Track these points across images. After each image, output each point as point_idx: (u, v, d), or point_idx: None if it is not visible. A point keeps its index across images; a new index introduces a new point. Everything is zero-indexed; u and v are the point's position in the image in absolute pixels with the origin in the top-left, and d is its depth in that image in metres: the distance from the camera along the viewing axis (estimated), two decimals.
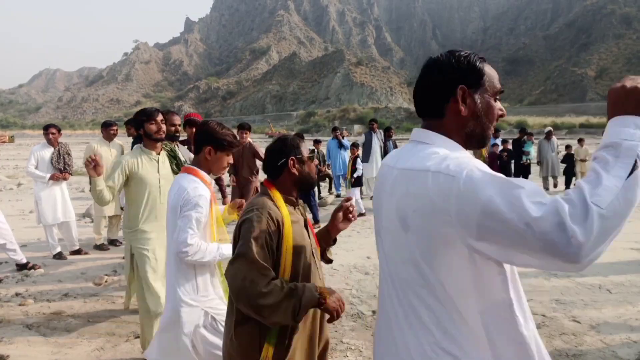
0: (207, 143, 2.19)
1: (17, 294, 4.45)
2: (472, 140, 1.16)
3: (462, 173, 0.99)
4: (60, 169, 5.68)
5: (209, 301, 2.23)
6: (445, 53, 1.17)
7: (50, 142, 5.67)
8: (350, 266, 5.30)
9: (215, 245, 2.21)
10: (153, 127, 3.03)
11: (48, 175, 5.58)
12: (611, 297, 4.22)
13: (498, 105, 1.18)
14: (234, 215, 2.62)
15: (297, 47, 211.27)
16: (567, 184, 11.07)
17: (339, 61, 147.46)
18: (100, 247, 6.14)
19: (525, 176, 10.91)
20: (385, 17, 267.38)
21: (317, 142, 10.67)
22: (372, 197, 10.22)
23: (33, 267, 5.19)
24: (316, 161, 1.91)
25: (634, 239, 6.24)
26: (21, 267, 5.19)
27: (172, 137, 3.72)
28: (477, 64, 1.14)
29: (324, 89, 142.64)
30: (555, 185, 11.11)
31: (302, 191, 1.84)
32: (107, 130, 6.07)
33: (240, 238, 1.62)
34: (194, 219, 2.11)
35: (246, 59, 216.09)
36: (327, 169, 10.80)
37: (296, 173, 1.77)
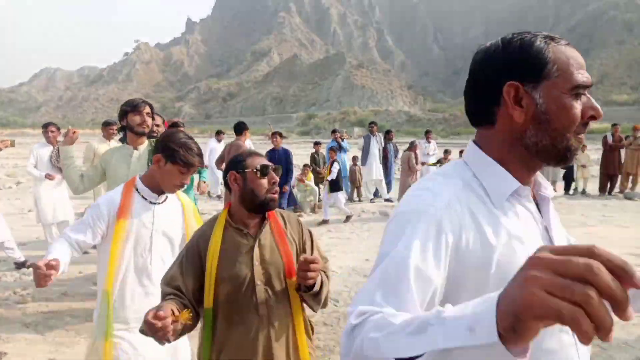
0: (160, 150, 1.92)
1: (15, 293, 4.45)
2: (541, 155, 0.86)
3: (392, 215, 0.86)
4: (60, 168, 5.68)
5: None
6: (500, 39, 0.89)
7: (50, 141, 5.68)
8: (349, 268, 5.30)
9: (59, 244, 1.91)
10: (136, 119, 2.78)
11: (43, 174, 5.58)
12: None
13: (582, 103, 0.84)
14: None
15: (298, 49, 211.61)
16: (567, 189, 11.09)
17: (340, 64, 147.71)
18: None
19: None
20: (386, 20, 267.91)
21: (317, 144, 10.69)
22: (371, 199, 10.26)
23: (32, 266, 5.19)
24: (274, 177, 1.62)
25: (633, 244, 6.25)
26: (19, 265, 5.19)
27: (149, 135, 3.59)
28: (537, 48, 0.83)
29: (325, 91, 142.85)
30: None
31: (254, 211, 1.64)
32: (107, 129, 6.10)
33: None
34: (82, 218, 1.99)
35: (247, 61, 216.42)
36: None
37: (237, 189, 1.63)
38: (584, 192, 11.06)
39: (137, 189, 2.01)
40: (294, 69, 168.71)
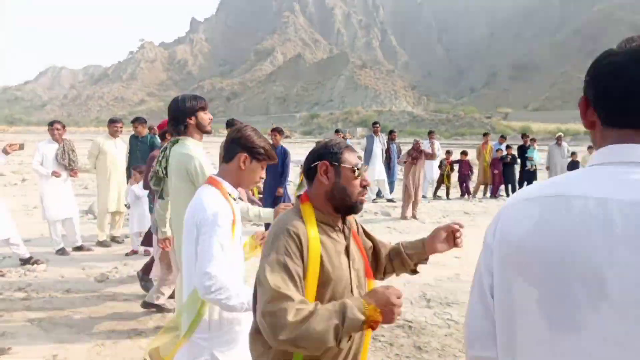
0: (242, 150, 1.89)
1: (19, 289, 4.48)
2: None
3: None
4: (65, 165, 5.73)
5: (220, 338, 1.91)
6: None
7: (55, 138, 5.71)
8: None
9: (248, 290, 1.71)
10: (206, 117, 2.71)
11: (50, 171, 5.62)
12: None
13: None
14: (258, 250, 2.20)
15: (301, 49, 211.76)
16: None
17: (344, 63, 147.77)
18: (102, 244, 6.17)
19: (531, 182, 10.91)
20: (390, 20, 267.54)
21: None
22: (374, 199, 10.25)
23: (36, 262, 5.22)
24: (365, 179, 1.50)
25: None
26: (24, 261, 5.23)
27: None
28: None
29: (328, 91, 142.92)
30: None
31: (338, 212, 1.46)
32: (113, 127, 6.22)
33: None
34: (215, 243, 1.74)
35: (251, 60, 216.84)
36: None
37: (326, 182, 1.42)
38: None
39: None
40: (297, 68, 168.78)
